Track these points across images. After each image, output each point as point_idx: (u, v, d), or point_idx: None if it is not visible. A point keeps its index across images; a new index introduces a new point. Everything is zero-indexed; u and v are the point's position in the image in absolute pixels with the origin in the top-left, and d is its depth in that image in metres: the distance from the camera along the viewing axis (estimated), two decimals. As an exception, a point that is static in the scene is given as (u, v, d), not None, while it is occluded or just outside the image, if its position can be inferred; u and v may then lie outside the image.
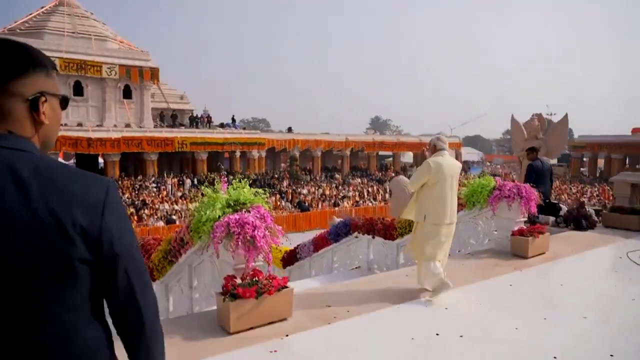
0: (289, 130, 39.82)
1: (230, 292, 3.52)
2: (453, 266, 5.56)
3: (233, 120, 35.17)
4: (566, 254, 6.24)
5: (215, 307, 4.33)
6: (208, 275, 4.55)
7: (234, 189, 4.01)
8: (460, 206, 6.75)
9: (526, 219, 6.44)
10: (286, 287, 3.75)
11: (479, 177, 6.61)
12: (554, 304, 4.47)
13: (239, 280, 3.72)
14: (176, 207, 22.47)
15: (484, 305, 4.27)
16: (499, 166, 61.69)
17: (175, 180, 28.13)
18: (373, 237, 8.51)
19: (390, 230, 8.09)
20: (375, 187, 32.52)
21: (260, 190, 4.11)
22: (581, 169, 45.18)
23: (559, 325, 3.82)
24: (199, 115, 33.96)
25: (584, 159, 46.02)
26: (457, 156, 50.29)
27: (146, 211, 21.33)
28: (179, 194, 26.03)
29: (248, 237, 3.61)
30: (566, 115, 8.78)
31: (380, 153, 46.58)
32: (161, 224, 19.64)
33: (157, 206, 22.31)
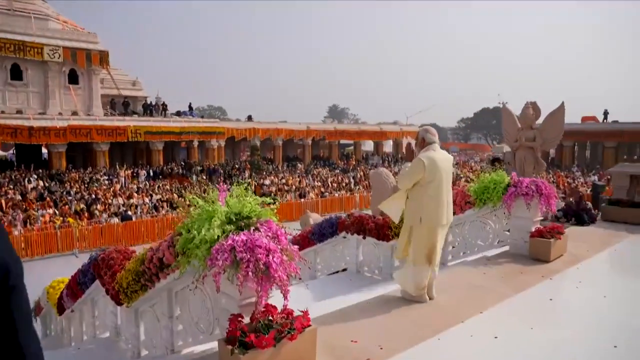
0: (249, 118, 38.43)
1: (239, 339, 2.62)
2: (474, 275, 4.92)
3: (190, 108, 33.37)
4: (585, 255, 5.73)
5: (208, 346, 3.43)
6: (196, 305, 3.61)
7: (235, 198, 3.08)
8: (469, 204, 6.11)
9: (542, 218, 5.86)
10: (309, 325, 2.89)
11: (493, 172, 5.94)
12: (614, 321, 3.83)
13: (246, 320, 2.83)
14: (132, 200, 20.85)
15: (537, 330, 3.58)
16: (455, 154, 62.76)
17: (129, 172, 26.27)
18: (364, 238, 7.74)
19: (384, 230, 7.33)
20: (339, 177, 31.88)
21: (268, 199, 3.20)
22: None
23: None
24: (153, 103, 31.94)
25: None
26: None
27: (98, 207, 19.62)
28: (134, 187, 24.31)
29: (261, 266, 2.70)
30: (562, 104, 8.34)
31: (341, 142, 46.09)
32: (116, 220, 18.08)
33: (110, 201, 20.62)
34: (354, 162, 41.62)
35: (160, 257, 3.57)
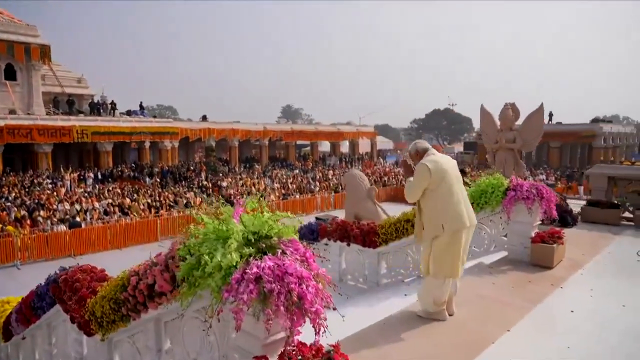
0: (204, 118, 37.13)
1: (270, 389, 2.12)
2: (483, 285, 4.63)
3: (141, 107, 31.73)
4: (583, 260, 5.60)
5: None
6: (193, 338, 3.03)
7: (250, 213, 2.56)
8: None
9: (540, 222, 5.68)
10: (347, 365, 2.42)
11: (490, 175, 5.69)
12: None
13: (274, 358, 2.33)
14: (79, 206, 19.33)
15: (576, 348, 3.29)
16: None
17: (75, 175, 24.53)
18: (348, 245, 7.34)
19: (370, 237, 6.96)
20: (299, 178, 31.37)
21: (284, 213, 2.69)
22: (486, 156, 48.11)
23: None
24: (100, 102, 30.07)
25: (488, 147, 49.05)
26: (373, 145, 51.12)
27: (42, 213, 18.04)
28: (81, 191, 22.68)
29: (294, 298, 2.21)
30: (542, 105, 8.33)
31: (298, 142, 45.63)
32: (63, 227, 16.66)
33: (54, 206, 19.04)
34: (311, 163, 41.25)
35: (149, 283, 2.97)
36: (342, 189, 28.53)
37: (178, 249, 2.73)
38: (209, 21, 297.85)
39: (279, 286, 2.20)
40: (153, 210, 19.41)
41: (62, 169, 24.57)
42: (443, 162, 3.78)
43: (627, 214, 7.84)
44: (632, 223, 7.65)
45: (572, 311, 4.00)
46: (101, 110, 29.08)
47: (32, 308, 5.11)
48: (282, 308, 2.19)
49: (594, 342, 3.45)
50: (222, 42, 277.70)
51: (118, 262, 15.52)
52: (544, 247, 5.23)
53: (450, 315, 3.83)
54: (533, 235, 5.45)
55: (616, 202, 7.73)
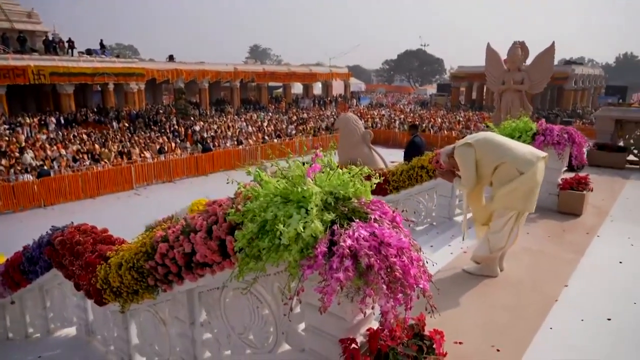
0: (170, 58, 35.01)
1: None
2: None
3: (102, 46, 29.36)
4: (605, 206, 5.47)
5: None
6: (240, 312, 2.62)
7: (326, 173, 2.09)
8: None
9: (566, 168, 5.44)
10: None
11: (520, 120, 5.31)
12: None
13: (361, 340, 1.98)
14: (45, 153, 18.09)
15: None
16: (381, 95, 63.11)
17: (35, 120, 22.89)
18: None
19: (379, 185, 6.61)
20: (276, 121, 30.43)
21: (356, 167, 2.22)
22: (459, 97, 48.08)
23: None
24: (55, 39, 27.57)
25: (461, 89, 48.89)
26: (346, 87, 50.07)
27: (3, 161, 16.78)
28: (43, 137, 21.22)
29: (397, 274, 1.81)
30: (553, 44, 7.90)
31: (269, 84, 44.07)
32: (29, 177, 15.57)
33: (16, 154, 17.73)
34: (284, 105, 40.14)
35: (186, 252, 2.51)
36: (318, 131, 27.98)
37: (227, 212, 2.25)
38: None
39: (379, 261, 1.79)
40: (125, 157, 18.42)
41: (20, 113, 22.83)
42: (482, 134, 3.55)
43: (631, 157, 7.76)
44: (637, 166, 7.59)
45: (620, 262, 3.82)
46: (57, 49, 26.77)
47: (22, 272, 4.57)
48: (384, 287, 1.79)
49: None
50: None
51: (93, 212, 14.79)
52: (573, 194, 5.01)
53: (500, 270, 3.58)
54: (560, 182, 5.21)
55: (623, 146, 7.61)
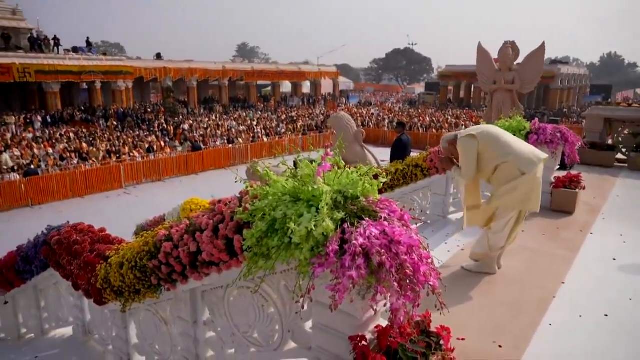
0: (158, 57, 34.73)
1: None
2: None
3: (89, 44, 29.01)
4: (597, 204, 5.57)
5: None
6: (244, 311, 2.62)
7: (334, 170, 2.11)
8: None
9: (559, 167, 5.53)
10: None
11: (517, 119, 5.38)
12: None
13: (370, 337, 2.00)
14: (32, 152, 17.81)
15: (637, 300, 3.18)
16: (369, 94, 63.28)
17: (22, 119, 22.54)
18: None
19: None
20: (266, 119, 30.34)
21: (364, 167, 2.24)
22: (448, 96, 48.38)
23: None
24: (40, 36, 27.13)
25: (449, 88, 49.17)
26: (335, 85, 50.08)
27: (-11, 161, 16.50)
28: (30, 136, 20.91)
29: (408, 271, 1.83)
30: (543, 44, 8.01)
31: (258, 83, 43.93)
32: (16, 176, 15.33)
33: (1, 151, 17.42)
34: (274, 104, 40.05)
35: (191, 251, 2.51)
36: (308, 130, 27.96)
37: (234, 211, 2.26)
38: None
39: (391, 259, 1.81)
40: (113, 156, 18.23)
41: (4, 112, 22.46)
42: (485, 126, 3.61)
43: (619, 156, 7.91)
44: (625, 165, 7.74)
45: (614, 259, 3.90)
46: (43, 47, 26.37)
47: (17, 272, 4.51)
48: (395, 284, 1.81)
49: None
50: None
51: (82, 211, 14.61)
52: (566, 192, 5.10)
53: (499, 268, 3.63)
54: (553, 180, 5.30)
55: (611, 144, 7.75)
